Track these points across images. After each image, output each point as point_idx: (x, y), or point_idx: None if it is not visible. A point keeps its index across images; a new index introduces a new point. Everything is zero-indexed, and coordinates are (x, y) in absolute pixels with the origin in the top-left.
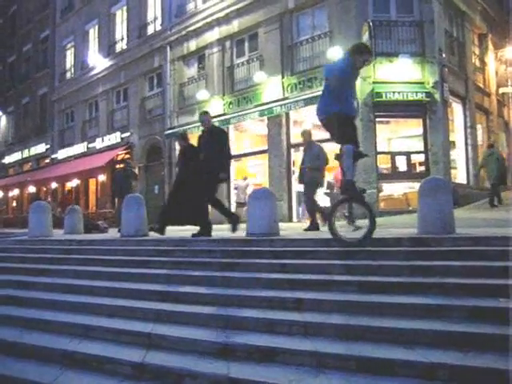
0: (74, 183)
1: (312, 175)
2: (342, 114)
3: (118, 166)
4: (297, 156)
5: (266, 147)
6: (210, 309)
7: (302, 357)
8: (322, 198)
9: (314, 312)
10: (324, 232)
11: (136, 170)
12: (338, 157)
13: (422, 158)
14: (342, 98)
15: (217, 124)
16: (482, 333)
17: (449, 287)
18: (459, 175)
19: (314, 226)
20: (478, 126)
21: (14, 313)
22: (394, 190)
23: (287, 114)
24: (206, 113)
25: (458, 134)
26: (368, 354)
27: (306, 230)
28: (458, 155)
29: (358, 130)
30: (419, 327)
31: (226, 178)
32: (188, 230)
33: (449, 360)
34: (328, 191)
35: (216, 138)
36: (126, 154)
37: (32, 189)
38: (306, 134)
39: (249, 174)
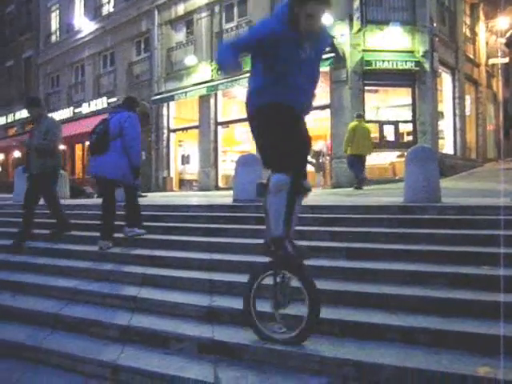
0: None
1: None
2: (275, 108)
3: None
4: None
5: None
6: (195, 273)
7: (285, 320)
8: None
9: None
10: (313, 198)
11: None
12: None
13: (410, 127)
14: (282, 80)
15: (204, 91)
16: (463, 299)
17: (433, 254)
18: (446, 145)
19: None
20: (467, 97)
21: (1, 276)
22: (381, 159)
23: None
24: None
25: (446, 104)
26: (352, 318)
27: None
28: (446, 126)
29: (346, 99)
30: (403, 293)
31: None
32: (172, 196)
33: (431, 325)
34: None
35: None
36: None
37: (17, 154)
38: None
39: (236, 141)
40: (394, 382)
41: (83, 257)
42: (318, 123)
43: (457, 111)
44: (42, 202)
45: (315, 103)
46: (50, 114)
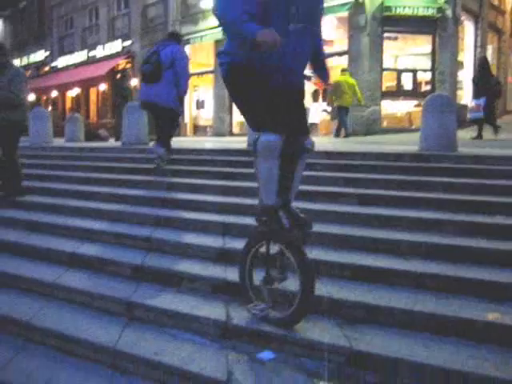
0: (74, 92)
1: None
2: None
3: (118, 76)
4: None
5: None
6: (209, 215)
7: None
8: (319, 114)
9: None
10: (328, 145)
11: (133, 81)
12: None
13: (428, 76)
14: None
15: (220, 35)
16: (476, 247)
17: (447, 203)
18: (465, 96)
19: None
20: (489, 47)
21: (18, 216)
22: (397, 108)
23: None
24: None
25: (467, 53)
26: (363, 263)
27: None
28: (466, 76)
29: (364, 46)
30: (415, 239)
31: None
32: (187, 141)
33: (442, 271)
34: (328, 108)
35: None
36: (127, 63)
37: (32, 97)
38: None
39: None
40: (403, 325)
41: (98, 198)
42: (334, 70)
43: (478, 61)
44: None
45: (333, 49)
46: (64, 57)
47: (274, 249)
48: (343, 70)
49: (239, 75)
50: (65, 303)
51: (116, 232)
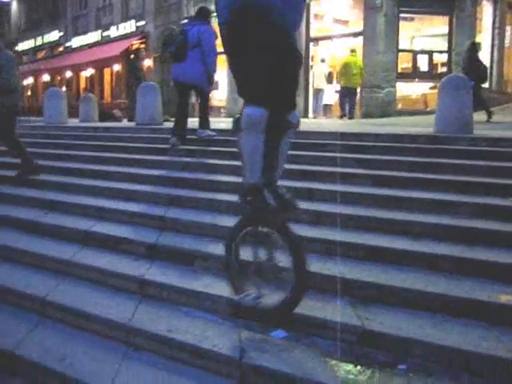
0: (88, 73)
1: None
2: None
3: (131, 56)
4: (316, 51)
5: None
6: (223, 195)
7: (311, 243)
8: (334, 96)
9: (325, 202)
10: (342, 126)
11: (146, 61)
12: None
13: (444, 58)
14: None
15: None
16: (489, 229)
17: (460, 184)
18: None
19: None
20: (508, 28)
21: (33, 195)
22: (412, 90)
23: (307, 6)
24: None
25: (484, 34)
26: (376, 243)
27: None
28: (483, 57)
29: (380, 27)
30: (428, 221)
31: None
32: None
33: (454, 252)
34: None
35: None
36: (141, 43)
37: (46, 77)
38: None
39: None
40: (415, 305)
41: (113, 177)
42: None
43: (495, 42)
44: None
45: (348, 30)
46: (78, 37)
47: (263, 232)
48: (352, 51)
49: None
50: (80, 281)
51: (130, 211)
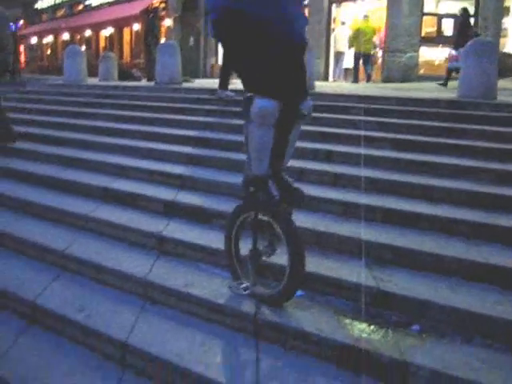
0: (108, 32)
1: None
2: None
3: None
4: (338, 12)
5: (305, 1)
6: (242, 155)
7: (329, 205)
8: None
9: (345, 164)
10: (363, 90)
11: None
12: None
13: (471, 22)
14: None
15: None
16: (509, 195)
17: (482, 150)
18: (509, 44)
19: None
20: None
21: (52, 151)
22: (436, 55)
23: None
24: None
25: None
26: (395, 206)
27: None
28: (511, 23)
29: None
30: (447, 186)
31: None
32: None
33: (474, 218)
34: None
35: None
36: (160, 3)
37: (66, 36)
38: None
39: None
40: (431, 268)
41: (130, 135)
42: (372, 14)
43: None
44: None
45: None
46: None
47: (263, 220)
48: (365, 17)
49: (236, 22)
50: (99, 236)
51: (149, 169)
